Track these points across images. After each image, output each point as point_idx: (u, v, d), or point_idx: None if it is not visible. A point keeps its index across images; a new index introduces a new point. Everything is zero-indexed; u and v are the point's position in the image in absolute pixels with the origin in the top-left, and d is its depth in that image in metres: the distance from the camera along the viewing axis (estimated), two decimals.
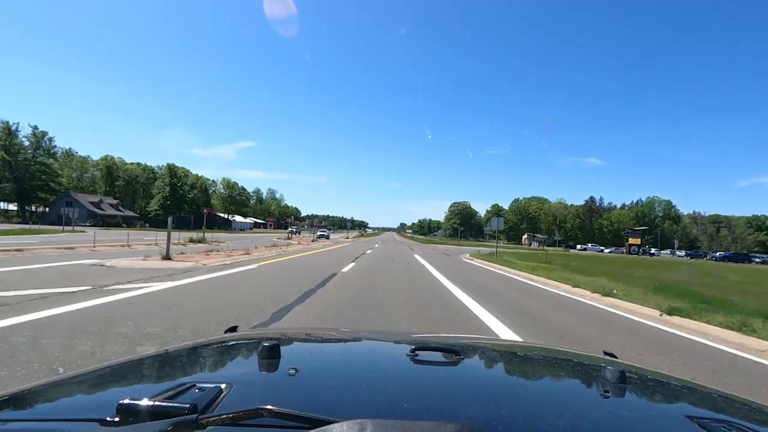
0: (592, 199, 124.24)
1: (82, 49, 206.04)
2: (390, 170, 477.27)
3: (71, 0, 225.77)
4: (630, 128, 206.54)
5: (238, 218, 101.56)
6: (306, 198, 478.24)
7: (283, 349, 0.99)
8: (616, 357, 1.43)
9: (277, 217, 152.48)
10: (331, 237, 61.62)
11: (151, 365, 1.10)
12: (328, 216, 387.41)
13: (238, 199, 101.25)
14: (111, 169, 77.42)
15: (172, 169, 75.33)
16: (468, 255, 29.63)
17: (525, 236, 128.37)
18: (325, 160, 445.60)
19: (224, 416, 0.62)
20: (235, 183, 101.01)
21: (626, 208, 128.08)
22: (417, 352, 1.05)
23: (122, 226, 58.78)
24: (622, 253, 76.69)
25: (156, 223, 73.64)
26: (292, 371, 0.88)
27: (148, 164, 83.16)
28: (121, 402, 0.63)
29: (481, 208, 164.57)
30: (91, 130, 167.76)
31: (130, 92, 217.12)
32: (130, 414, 0.63)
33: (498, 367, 1.25)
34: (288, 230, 61.39)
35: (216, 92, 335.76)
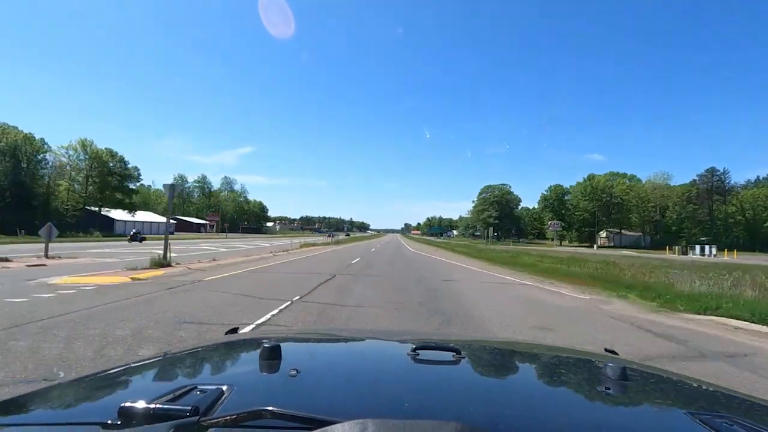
0: (711, 172, 77.95)
1: (80, 57, 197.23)
2: (391, 172, 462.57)
3: (68, 8, 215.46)
4: (632, 123, 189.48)
5: (119, 214, 56.46)
6: (306, 201, 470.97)
7: (284, 350, 0.98)
8: (617, 354, 1.41)
9: (232, 215, 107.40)
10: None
11: (152, 368, 1.10)
12: (324, 218, 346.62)
13: (111, 180, 55.48)
14: None
15: None
16: None
17: (603, 233, 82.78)
18: (326, 164, 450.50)
19: (226, 418, 0.61)
20: (111, 151, 55.46)
21: (757, 185, 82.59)
22: (418, 351, 1.04)
23: None
24: None
25: None
26: (294, 372, 0.87)
27: None
28: (122, 405, 0.63)
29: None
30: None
31: (129, 101, 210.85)
32: (131, 417, 0.62)
33: (500, 366, 1.24)
34: None
35: (216, 99, 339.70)
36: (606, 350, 1.49)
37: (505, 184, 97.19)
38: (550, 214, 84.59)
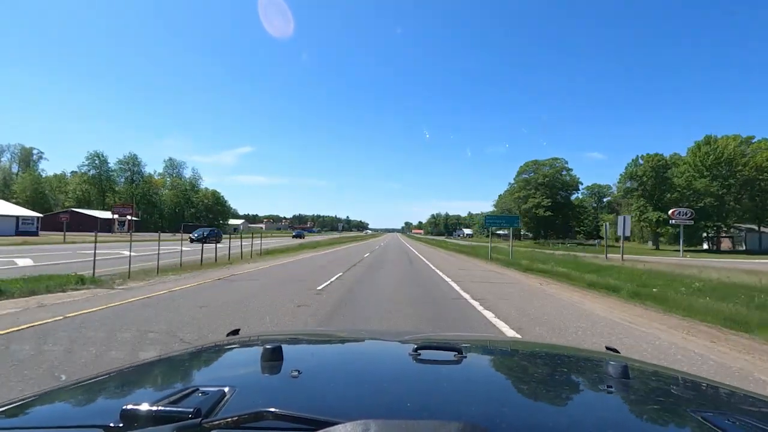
0: None
1: (80, 57, 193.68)
2: (391, 172, 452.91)
3: (67, 7, 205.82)
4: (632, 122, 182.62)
5: None
6: (307, 201, 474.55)
7: (286, 351, 0.99)
8: (618, 352, 1.42)
9: (173, 209, 77.88)
10: None
11: (154, 370, 1.10)
12: (318, 216, 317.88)
13: None
14: None
15: None
16: None
17: (727, 232, 53.31)
18: (326, 164, 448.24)
19: (228, 420, 0.61)
20: None
21: None
22: (419, 351, 1.04)
23: None
24: None
25: None
26: (295, 373, 0.87)
27: None
28: (124, 407, 0.63)
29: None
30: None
31: (129, 101, 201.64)
32: (133, 419, 0.62)
33: (501, 365, 1.24)
34: None
35: (216, 99, 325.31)
36: (607, 348, 1.48)
37: (557, 158, 67.10)
38: (641, 201, 54.82)
